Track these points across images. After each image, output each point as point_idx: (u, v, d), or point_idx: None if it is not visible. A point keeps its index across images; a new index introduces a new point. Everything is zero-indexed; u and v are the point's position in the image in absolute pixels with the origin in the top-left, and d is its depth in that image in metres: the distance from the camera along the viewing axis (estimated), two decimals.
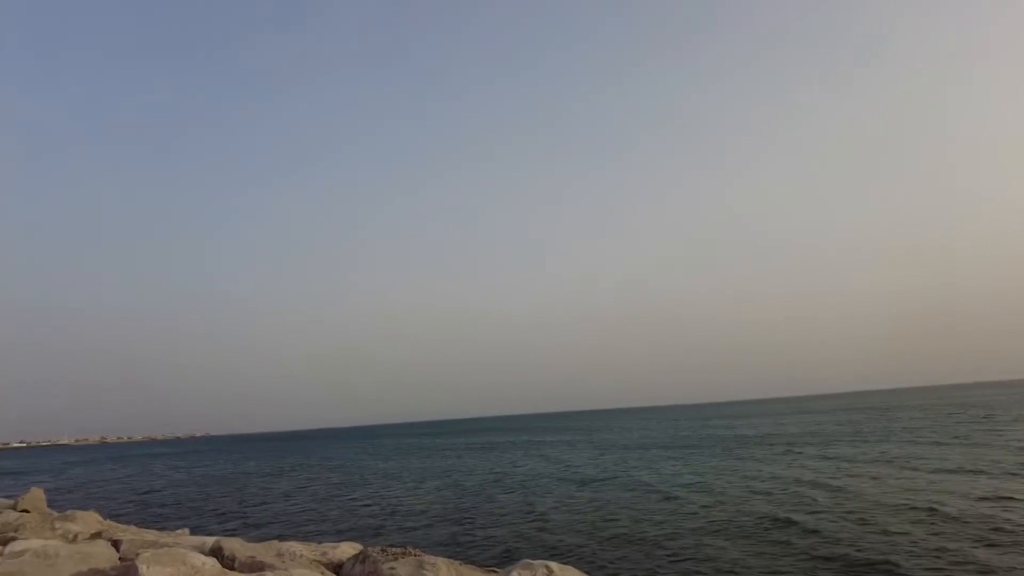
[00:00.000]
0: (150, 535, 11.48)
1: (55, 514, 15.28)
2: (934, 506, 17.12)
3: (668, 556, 14.15)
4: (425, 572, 7.44)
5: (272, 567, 7.78)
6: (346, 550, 9.73)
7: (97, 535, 11.47)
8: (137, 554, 7.83)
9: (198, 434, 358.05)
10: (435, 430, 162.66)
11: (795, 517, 17.13)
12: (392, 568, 7.62)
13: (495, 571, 9.20)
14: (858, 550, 13.42)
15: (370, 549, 8.75)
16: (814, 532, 15.31)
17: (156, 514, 27.28)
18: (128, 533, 11.92)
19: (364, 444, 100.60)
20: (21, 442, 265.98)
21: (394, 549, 8.66)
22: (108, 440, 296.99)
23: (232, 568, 8.40)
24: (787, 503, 19.52)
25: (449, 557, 9.55)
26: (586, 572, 8.90)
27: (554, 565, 8.47)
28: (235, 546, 8.63)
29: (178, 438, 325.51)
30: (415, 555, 8.59)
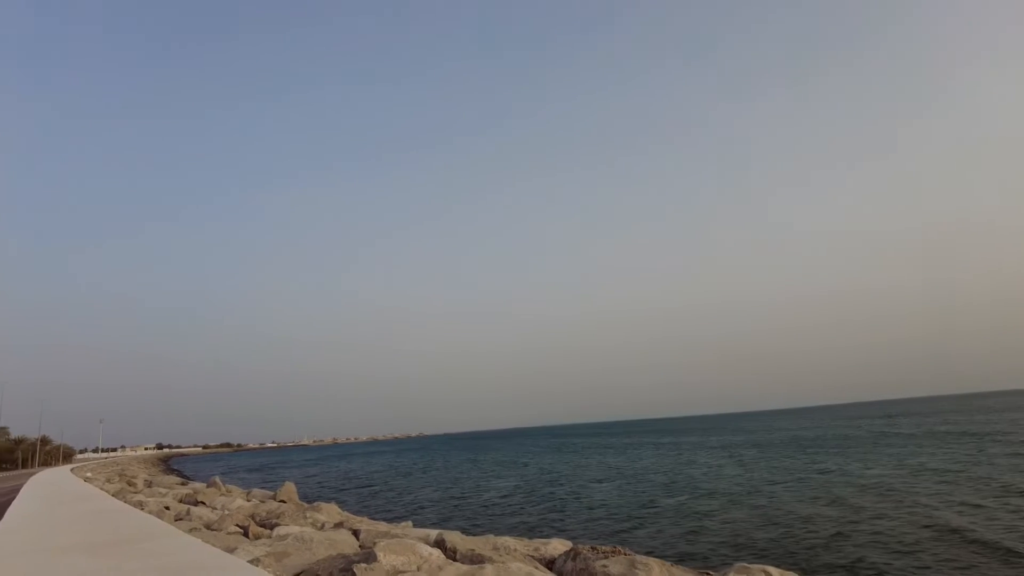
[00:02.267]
0: (382, 526, 12.71)
1: (305, 505, 17.58)
2: None
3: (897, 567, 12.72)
4: (638, 572, 7.42)
5: (490, 560, 8.23)
6: (557, 546, 10.01)
7: (339, 524, 12.99)
8: (374, 543, 8.75)
9: (413, 434, 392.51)
10: (620, 430, 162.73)
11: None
12: (604, 566, 7.70)
13: (709, 573, 8.90)
14: None
15: (581, 546, 8.91)
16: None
17: (376, 505, 30.11)
18: (364, 524, 13.33)
19: (553, 442, 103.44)
20: (273, 442, 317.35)
21: (604, 547, 8.74)
22: (338, 440, 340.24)
23: (454, 559, 9.04)
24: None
25: (657, 557, 9.44)
26: None
27: (773, 570, 8.01)
28: (455, 539, 9.26)
29: (396, 437, 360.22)
30: (626, 554, 8.60)
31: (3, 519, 11.14)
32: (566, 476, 39.61)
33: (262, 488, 29.40)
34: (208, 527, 12.67)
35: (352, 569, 7.14)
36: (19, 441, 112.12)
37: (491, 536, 10.35)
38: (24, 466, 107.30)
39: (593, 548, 8.80)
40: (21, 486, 26.84)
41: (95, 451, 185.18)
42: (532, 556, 9.63)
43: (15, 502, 15.41)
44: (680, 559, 13.41)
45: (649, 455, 53.57)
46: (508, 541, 9.91)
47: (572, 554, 8.81)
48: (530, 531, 19.06)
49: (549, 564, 9.38)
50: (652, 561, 7.95)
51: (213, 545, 9.04)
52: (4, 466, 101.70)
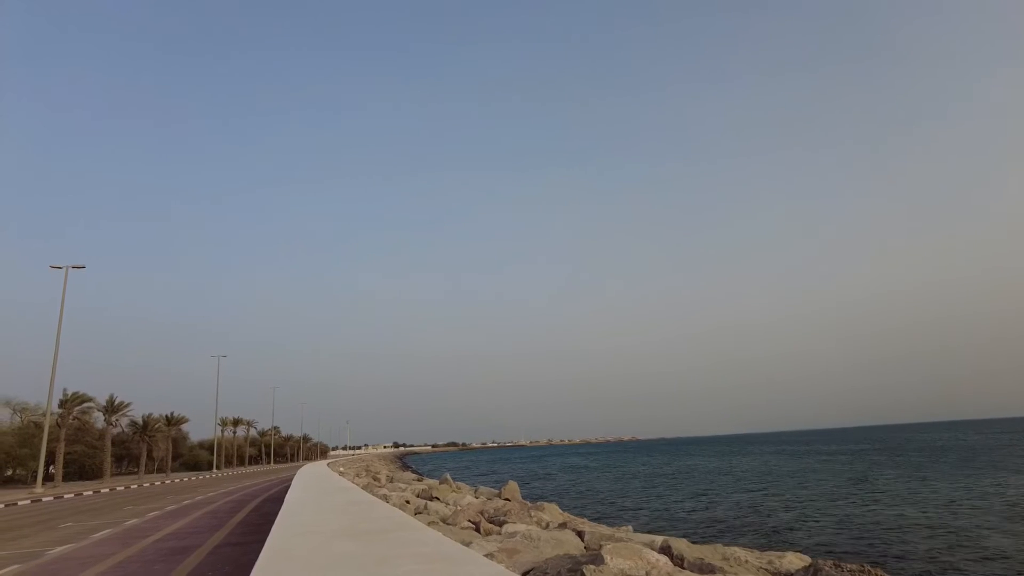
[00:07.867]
0: (605, 529, 12.81)
1: (528, 504, 18.31)
2: None
3: None
4: None
5: (721, 570, 7.89)
6: (793, 560, 9.31)
7: (563, 525, 13.32)
8: (600, 545, 8.83)
9: (625, 437, 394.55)
10: (811, 439, 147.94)
11: None
12: None
13: None
14: None
15: (822, 562, 8.19)
16: None
17: (588, 506, 30.27)
18: (587, 525, 13.52)
19: (756, 448, 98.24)
20: (493, 442, 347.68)
21: (850, 565, 7.94)
22: (553, 442, 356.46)
23: (682, 567, 8.80)
24: None
25: None
26: None
27: None
28: (682, 546, 9.01)
29: (608, 440, 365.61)
30: (874, 574, 7.73)
31: (284, 504, 13.16)
32: (771, 480, 37.30)
33: (487, 486, 31.24)
34: (444, 521, 13.74)
35: (581, 570, 7.27)
36: (288, 439, 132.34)
37: (719, 545, 9.91)
38: (291, 460, 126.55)
39: (836, 564, 8.03)
40: (292, 477, 31.65)
41: (344, 448, 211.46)
42: (765, 569, 9.05)
43: (290, 491, 18.10)
44: None
45: (885, 472, 47.85)
46: (738, 552, 9.42)
47: (812, 570, 8.12)
48: (752, 540, 18.00)
49: None
50: None
51: (451, 539, 9.79)
52: (278, 459, 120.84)
